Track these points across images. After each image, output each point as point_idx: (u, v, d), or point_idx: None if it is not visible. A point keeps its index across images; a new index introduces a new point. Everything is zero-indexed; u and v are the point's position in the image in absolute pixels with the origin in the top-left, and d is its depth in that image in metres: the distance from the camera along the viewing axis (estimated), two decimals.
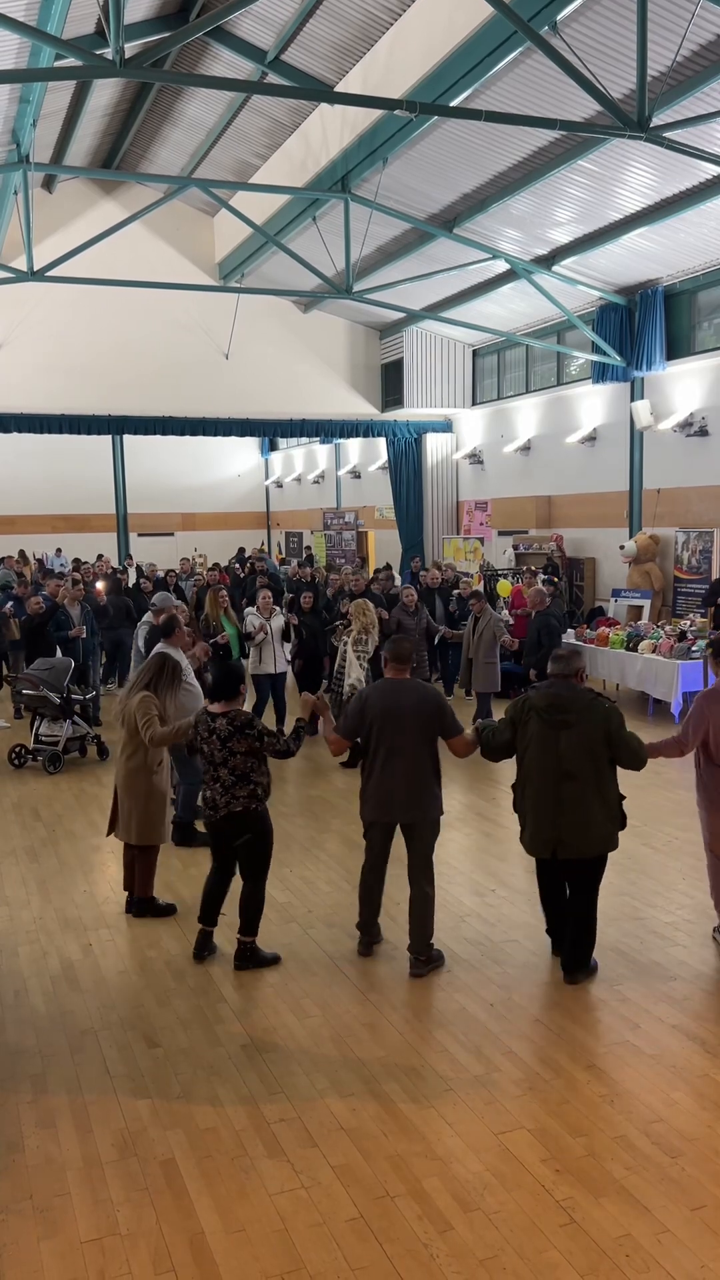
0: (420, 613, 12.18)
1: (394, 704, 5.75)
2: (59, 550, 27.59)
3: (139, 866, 6.75)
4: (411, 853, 5.90)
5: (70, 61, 10.69)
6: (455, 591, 14.33)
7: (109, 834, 6.80)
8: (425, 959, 5.81)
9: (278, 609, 11.62)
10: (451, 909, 6.74)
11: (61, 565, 24.17)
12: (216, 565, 22.63)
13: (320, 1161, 4.14)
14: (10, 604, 13.76)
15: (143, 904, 6.74)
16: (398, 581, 17.95)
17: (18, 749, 10.87)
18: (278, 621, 11.33)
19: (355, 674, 10.55)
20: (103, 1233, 3.76)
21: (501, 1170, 4.06)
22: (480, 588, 12.78)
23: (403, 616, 12.08)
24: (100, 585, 15.78)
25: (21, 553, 25.88)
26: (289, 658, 11.63)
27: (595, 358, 16.33)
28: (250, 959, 5.91)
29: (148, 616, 10.33)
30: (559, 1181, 3.99)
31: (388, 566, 21.00)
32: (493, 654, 11.50)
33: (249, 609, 11.75)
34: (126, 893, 6.85)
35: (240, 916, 5.93)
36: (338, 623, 11.78)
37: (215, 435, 21.61)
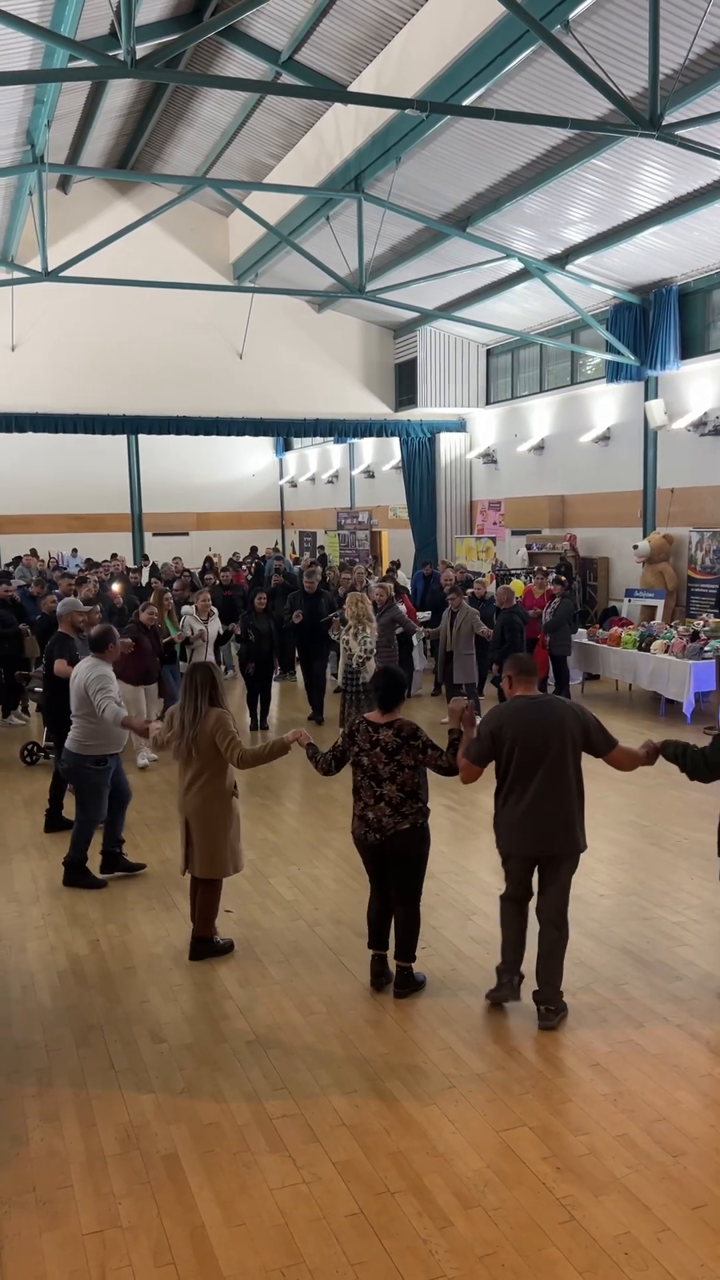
0: (390, 609, 12.28)
1: (535, 724, 5.16)
2: (74, 550, 27.71)
3: (203, 901, 6.07)
4: (551, 886, 5.27)
5: (84, 63, 10.74)
6: (469, 590, 14.36)
7: (185, 872, 6.10)
8: (554, 1008, 5.20)
9: (215, 612, 11.75)
10: (458, 907, 6.75)
11: (76, 565, 24.27)
12: (233, 563, 22.66)
13: (322, 1157, 4.15)
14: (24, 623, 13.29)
15: (202, 945, 6.08)
16: (401, 579, 17.94)
17: (30, 746, 10.93)
18: (214, 625, 11.46)
19: (362, 665, 10.78)
20: (104, 1225, 3.78)
21: (502, 1168, 4.07)
22: (456, 584, 13.06)
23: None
24: (116, 587, 15.82)
25: (33, 551, 26.05)
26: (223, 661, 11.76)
27: (609, 357, 16.29)
28: (409, 984, 5.53)
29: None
30: (560, 1179, 3.99)
31: (396, 564, 20.99)
32: (470, 646, 11.90)
33: (186, 608, 11.70)
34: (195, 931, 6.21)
35: (398, 943, 5.54)
36: (333, 615, 12.19)
37: (229, 435, 21.66)
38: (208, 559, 24.15)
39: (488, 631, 11.90)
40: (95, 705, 6.97)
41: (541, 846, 5.21)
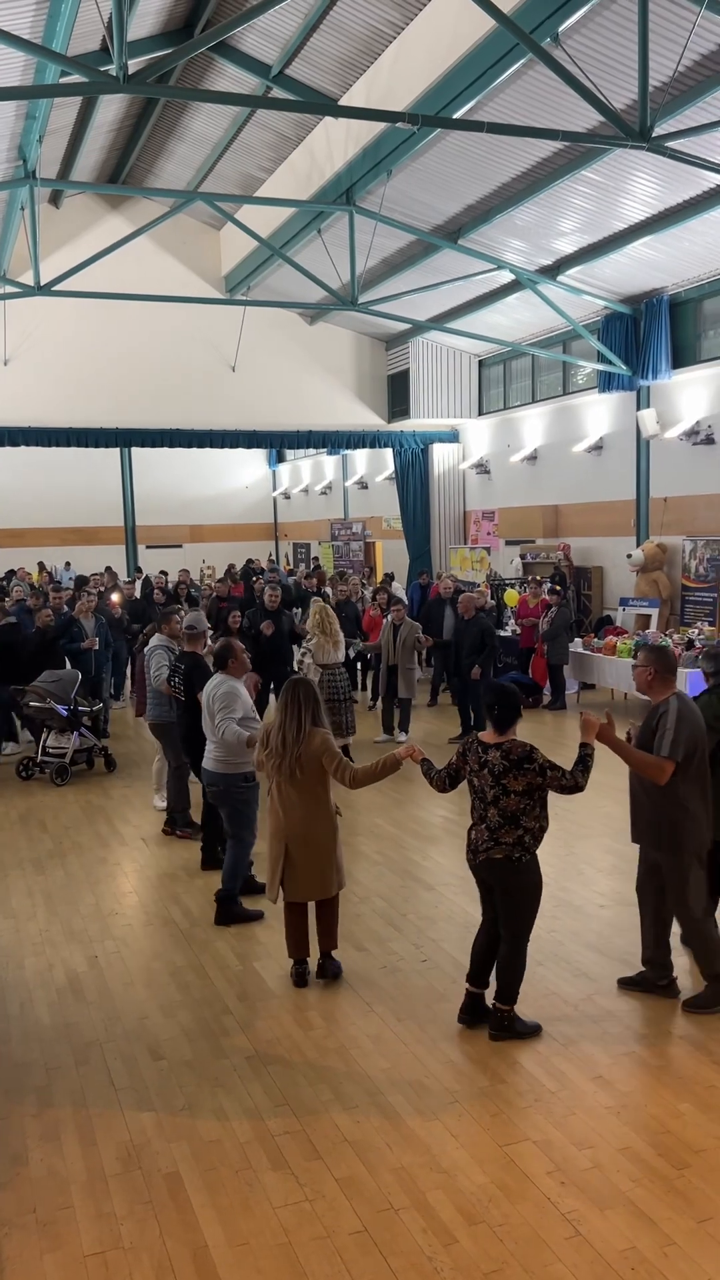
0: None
1: (704, 717, 5.40)
2: (68, 564, 27.72)
3: (327, 919, 5.88)
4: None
5: (76, 78, 10.77)
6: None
7: (277, 899, 5.82)
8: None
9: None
10: (458, 920, 6.72)
11: (69, 579, 24.24)
12: (229, 575, 22.49)
13: (324, 1174, 4.12)
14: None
15: (332, 961, 5.93)
16: (396, 590, 17.91)
17: (25, 761, 10.90)
18: None
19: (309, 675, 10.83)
20: (106, 1246, 3.75)
21: (506, 1183, 4.04)
22: (401, 595, 13.27)
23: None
24: (115, 597, 15.83)
25: (41, 565, 26.26)
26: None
27: (601, 367, 16.34)
28: (508, 1029, 5.16)
29: (158, 639, 8.92)
30: (564, 1194, 3.97)
31: (390, 576, 20.96)
32: (412, 660, 12.03)
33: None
34: (294, 960, 5.92)
35: (497, 980, 5.23)
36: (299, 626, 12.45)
37: (222, 447, 21.66)
38: (183, 572, 23.78)
39: (427, 639, 12.12)
40: (214, 725, 6.62)
41: None
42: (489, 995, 5.31)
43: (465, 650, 11.95)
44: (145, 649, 9.02)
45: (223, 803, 6.88)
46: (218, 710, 6.65)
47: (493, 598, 16.73)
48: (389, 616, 12.33)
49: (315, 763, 5.61)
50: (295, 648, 12.45)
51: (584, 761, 5.04)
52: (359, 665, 15.16)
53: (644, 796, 5.42)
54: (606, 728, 5.13)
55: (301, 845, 5.66)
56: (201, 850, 7.90)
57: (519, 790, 5.02)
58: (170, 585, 19.13)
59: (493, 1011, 5.22)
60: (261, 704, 11.27)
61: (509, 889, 5.13)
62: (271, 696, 11.95)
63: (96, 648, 12.11)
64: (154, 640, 8.91)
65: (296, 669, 11.20)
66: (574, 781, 4.99)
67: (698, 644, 12.40)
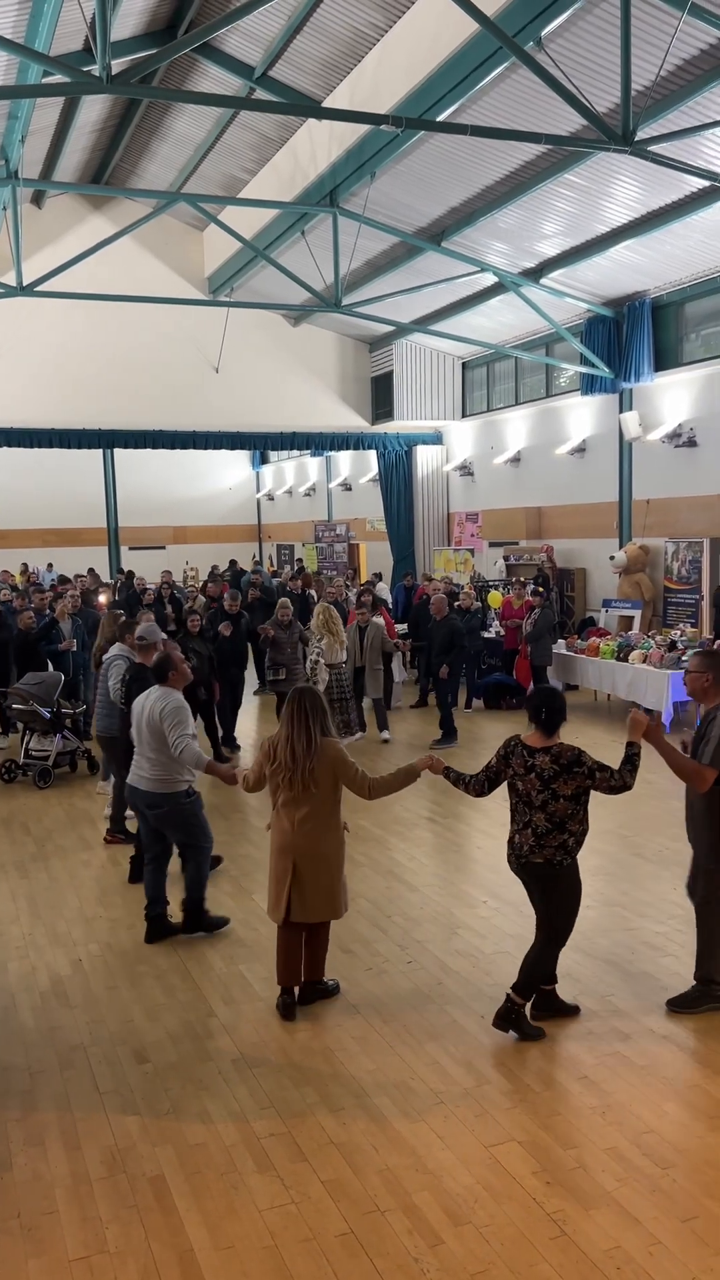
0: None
1: None
2: (50, 565, 27.60)
3: (319, 946, 5.61)
4: None
5: (58, 78, 10.74)
6: (455, 603, 14.38)
7: (284, 919, 5.42)
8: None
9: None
10: (442, 921, 6.73)
11: (51, 580, 24.12)
12: (214, 575, 22.35)
13: (310, 1176, 4.12)
14: None
15: (315, 989, 5.63)
16: (381, 591, 17.92)
17: (7, 764, 10.84)
18: None
19: (313, 674, 10.88)
20: (91, 1251, 3.73)
21: (492, 1183, 4.05)
22: (364, 602, 13.24)
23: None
24: (103, 598, 15.77)
25: (25, 566, 26.15)
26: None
27: (584, 369, 16.40)
28: (513, 1023, 5.14)
29: (119, 649, 8.55)
30: (550, 1194, 3.98)
31: (378, 576, 20.96)
32: (379, 661, 12.07)
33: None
34: (282, 988, 5.55)
35: (520, 974, 5.20)
36: (266, 625, 12.47)
37: (206, 448, 21.62)
38: (165, 573, 23.66)
39: (402, 644, 12.22)
40: (170, 743, 6.24)
41: None
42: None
43: (435, 650, 12.10)
44: (105, 658, 8.75)
45: (170, 824, 6.48)
46: (170, 728, 6.23)
47: (479, 599, 16.75)
48: (356, 619, 12.33)
49: (329, 776, 5.34)
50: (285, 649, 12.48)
51: (631, 760, 4.99)
52: None
53: (691, 799, 5.43)
54: (654, 728, 5.08)
55: (311, 862, 5.36)
56: (130, 862, 7.66)
57: (568, 795, 4.99)
58: (153, 587, 19.05)
59: (505, 1000, 5.17)
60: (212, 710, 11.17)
61: (548, 891, 5.15)
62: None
63: (74, 649, 12.07)
64: (113, 650, 8.63)
65: (310, 673, 11.17)
66: (622, 781, 4.96)
67: (680, 645, 12.46)
